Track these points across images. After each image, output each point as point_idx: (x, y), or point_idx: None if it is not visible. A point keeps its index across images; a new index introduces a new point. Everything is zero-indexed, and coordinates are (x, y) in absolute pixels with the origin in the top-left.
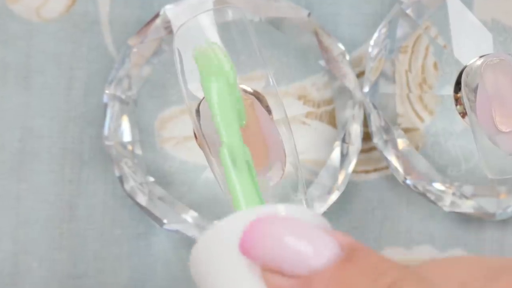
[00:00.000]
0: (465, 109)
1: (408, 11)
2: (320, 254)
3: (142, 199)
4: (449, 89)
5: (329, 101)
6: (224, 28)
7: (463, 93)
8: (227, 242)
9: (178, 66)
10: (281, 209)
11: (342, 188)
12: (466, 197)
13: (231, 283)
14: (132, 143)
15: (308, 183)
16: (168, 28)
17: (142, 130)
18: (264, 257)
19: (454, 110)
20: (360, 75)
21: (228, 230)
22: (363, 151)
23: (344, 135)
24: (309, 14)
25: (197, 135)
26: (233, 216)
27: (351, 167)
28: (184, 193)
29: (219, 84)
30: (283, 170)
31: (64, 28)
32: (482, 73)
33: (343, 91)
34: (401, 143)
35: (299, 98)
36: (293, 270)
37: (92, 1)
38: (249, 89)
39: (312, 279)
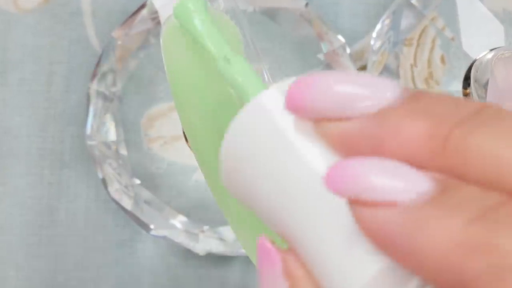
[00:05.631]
0: None
1: (414, 1)
2: (386, 92)
3: (127, 203)
4: (457, 85)
5: None
6: None
7: (472, 89)
8: (267, 114)
9: None
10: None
11: None
12: None
13: (283, 155)
14: (116, 142)
15: None
16: (156, 19)
17: (127, 129)
18: (316, 104)
19: None
20: (361, 69)
21: (264, 102)
22: None
23: None
24: (306, 4)
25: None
26: (264, 92)
27: None
28: (172, 197)
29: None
30: None
31: (43, 20)
32: (493, 68)
33: None
34: None
35: None
36: (356, 111)
37: None
38: None
39: (385, 113)
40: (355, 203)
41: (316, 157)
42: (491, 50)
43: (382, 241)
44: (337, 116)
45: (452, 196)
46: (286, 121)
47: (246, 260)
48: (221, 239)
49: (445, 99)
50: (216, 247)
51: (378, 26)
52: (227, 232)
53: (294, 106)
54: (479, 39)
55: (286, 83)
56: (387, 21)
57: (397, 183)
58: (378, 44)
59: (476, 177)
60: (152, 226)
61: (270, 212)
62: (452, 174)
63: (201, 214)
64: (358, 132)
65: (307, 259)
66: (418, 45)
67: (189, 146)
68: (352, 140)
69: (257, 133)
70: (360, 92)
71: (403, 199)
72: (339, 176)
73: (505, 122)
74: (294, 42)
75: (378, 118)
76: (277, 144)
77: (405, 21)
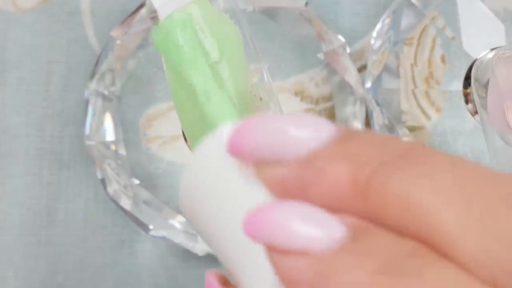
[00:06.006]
0: (475, 106)
1: (414, 0)
2: (317, 135)
3: (126, 203)
4: (458, 85)
5: (329, 98)
6: None
7: (473, 88)
8: (213, 158)
9: None
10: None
11: None
12: None
13: (227, 197)
14: (115, 142)
15: None
16: (155, 19)
17: (126, 128)
18: (255, 149)
19: (463, 107)
20: (361, 69)
21: (210, 146)
22: None
23: None
24: (306, 3)
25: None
26: (212, 134)
27: None
28: (171, 197)
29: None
30: None
31: (41, 19)
32: (494, 67)
33: (344, 87)
34: None
35: (296, 94)
36: (290, 155)
37: None
38: None
39: (313, 158)
40: (271, 250)
41: (248, 200)
42: (492, 49)
43: None
44: (272, 160)
45: (363, 244)
46: (230, 163)
47: None
48: None
49: (375, 140)
50: None
51: (378, 26)
52: None
53: (234, 151)
54: (479, 38)
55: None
56: (387, 21)
57: (310, 230)
58: (378, 43)
59: (393, 222)
60: (151, 227)
61: (212, 246)
62: (372, 219)
63: None
64: (288, 176)
65: None
66: (418, 44)
67: (188, 146)
68: (284, 184)
69: (206, 170)
70: (294, 134)
71: (315, 247)
72: (255, 222)
73: (428, 166)
74: (293, 41)
75: (307, 162)
76: (219, 184)
77: (406, 21)
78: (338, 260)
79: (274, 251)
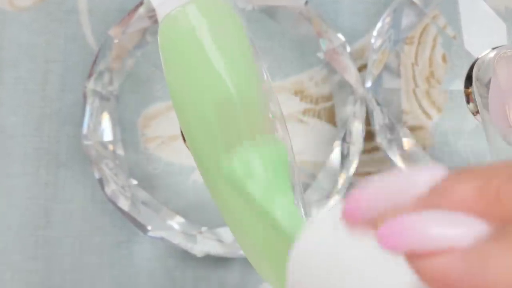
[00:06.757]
0: (476, 105)
1: None
2: (429, 174)
3: (124, 204)
4: (459, 84)
5: (328, 97)
6: None
7: (474, 88)
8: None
9: None
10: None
11: (343, 192)
12: None
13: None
14: (113, 142)
15: (306, 187)
16: (153, 18)
17: (124, 128)
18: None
19: (464, 106)
20: (362, 68)
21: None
22: (365, 151)
23: (345, 134)
24: (306, 2)
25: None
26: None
27: (353, 168)
28: (169, 198)
29: None
30: None
31: (39, 18)
32: (495, 66)
33: (344, 86)
34: (407, 142)
35: (296, 93)
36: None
37: None
38: None
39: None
40: (413, 257)
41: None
42: (493, 48)
43: (447, 287)
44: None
45: (509, 233)
46: (346, 232)
47: (245, 261)
48: (219, 241)
49: (492, 166)
50: (214, 248)
51: (379, 25)
52: (226, 233)
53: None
54: (481, 37)
55: (326, 210)
56: (387, 19)
57: (452, 229)
58: (378, 42)
59: None
60: (149, 227)
61: None
62: (503, 222)
63: (199, 215)
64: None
65: None
66: (419, 43)
67: (187, 146)
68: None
69: (324, 243)
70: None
71: (462, 242)
72: (392, 232)
73: None
74: (293, 40)
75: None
76: (343, 254)
77: (406, 19)
78: (490, 249)
79: (416, 257)
